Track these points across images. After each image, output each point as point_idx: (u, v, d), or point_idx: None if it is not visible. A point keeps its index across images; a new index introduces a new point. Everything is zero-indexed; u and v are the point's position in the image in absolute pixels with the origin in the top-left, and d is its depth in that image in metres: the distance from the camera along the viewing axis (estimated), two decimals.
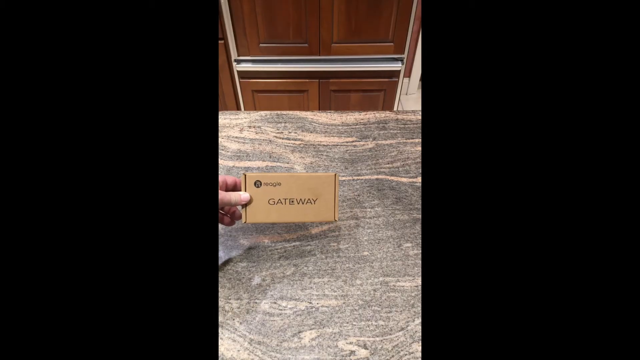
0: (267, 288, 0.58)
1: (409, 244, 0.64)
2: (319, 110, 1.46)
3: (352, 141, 0.83)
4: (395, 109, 1.64)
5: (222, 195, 0.52)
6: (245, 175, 0.55)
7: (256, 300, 0.57)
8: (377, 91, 1.57)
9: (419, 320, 0.55)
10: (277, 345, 0.52)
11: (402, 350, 0.52)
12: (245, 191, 0.55)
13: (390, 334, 0.53)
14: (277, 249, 0.63)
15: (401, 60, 1.47)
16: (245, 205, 0.56)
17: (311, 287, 0.58)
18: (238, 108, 1.64)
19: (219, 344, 0.52)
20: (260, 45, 1.42)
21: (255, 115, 0.89)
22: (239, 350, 0.51)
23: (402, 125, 0.86)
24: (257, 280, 0.59)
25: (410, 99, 2.30)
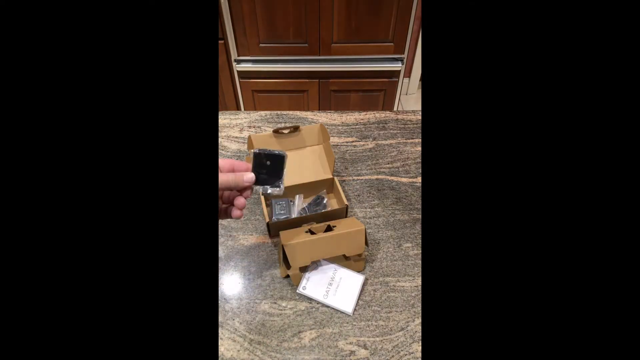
0: (267, 288, 0.58)
1: (409, 244, 0.64)
2: (319, 110, 1.46)
3: (352, 141, 0.83)
4: (395, 109, 1.64)
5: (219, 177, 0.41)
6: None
7: (256, 300, 0.57)
8: (377, 91, 1.57)
9: (418, 321, 0.55)
10: (277, 345, 0.52)
11: (402, 350, 0.52)
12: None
13: (390, 334, 0.53)
14: (277, 249, 0.63)
15: (401, 60, 1.47)
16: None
17: None
18: (238, 108, 1.64)
19: (219, 344, 0.52)
20: (260, 45, 1.42)
21: (255, 115, 0.89)
22: (239, 350, 0.51)
23: (402, 125, 0.86)
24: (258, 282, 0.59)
25: (410, 98, 2.30)
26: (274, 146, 0.73)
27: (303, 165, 0.70)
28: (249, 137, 0.69)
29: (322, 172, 0.69)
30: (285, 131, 0.71)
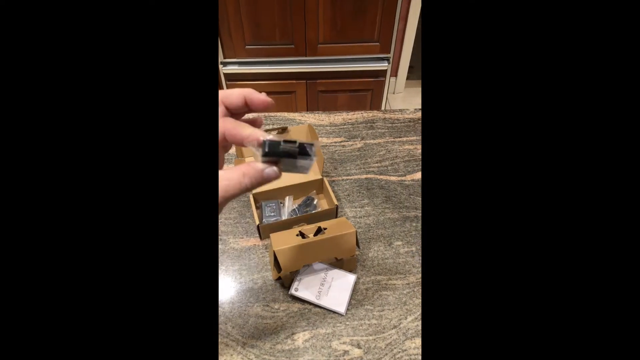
0: (259, 291, 0.58)
1: (399, 242, 0.64)
2: (307, 111, 1.46)
3: (341, 141, 0.83)
4: (383, 108, 1.65)
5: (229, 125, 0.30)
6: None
7: (248, 304, 0.56)
8: (365, 91, 1.58)
9: (411, 318, 0.55)
10: (271, 347, 0.52)
11: (395, 348, 0.52)
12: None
13: (383, 332, 0.53)
14: (268, 252, 0.63)
15: (387, 59, 1.48)
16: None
17: None
18: None
19: None
20: (246, 47, 1.41)
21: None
22: (232, 355, 0.51)
23: (390, 124, 0.87)
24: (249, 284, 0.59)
25: (397, 97, 2.32)
26: None
27: None
28: None
29: (311, 173, 0.69)
30: (274, 132, 0.71)
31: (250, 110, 0.33)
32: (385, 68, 1.49)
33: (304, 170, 0.30)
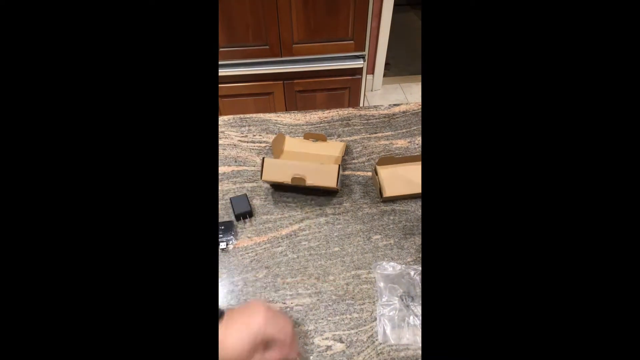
0: (240, 293, 0.58)
1: (378, 236, 0.65)
2: (286, 111, 1.46)
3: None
4: (361, 105, 1.66)
5: None
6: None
7: (229, 306, 0.56)
8: (342, 89, 1.58)
9: None
10: None
11: (376, 339, 0.53)
12: None
13: (364, 325, 0.54)
14: (248, 253, 0.63)
15: (363, 57, 1.49)
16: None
17: (284, 288, 0.58)
18: None
19: None
20: (220, 49, 1.40)
21: (218, 120, 0.88)
22: None
23: (366, 121, 0.87)
24: (229, 287, 0.59)
25: (375, 95, 2.34)
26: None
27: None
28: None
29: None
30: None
31: None
32: (361, 66, 1.51)
33: None
